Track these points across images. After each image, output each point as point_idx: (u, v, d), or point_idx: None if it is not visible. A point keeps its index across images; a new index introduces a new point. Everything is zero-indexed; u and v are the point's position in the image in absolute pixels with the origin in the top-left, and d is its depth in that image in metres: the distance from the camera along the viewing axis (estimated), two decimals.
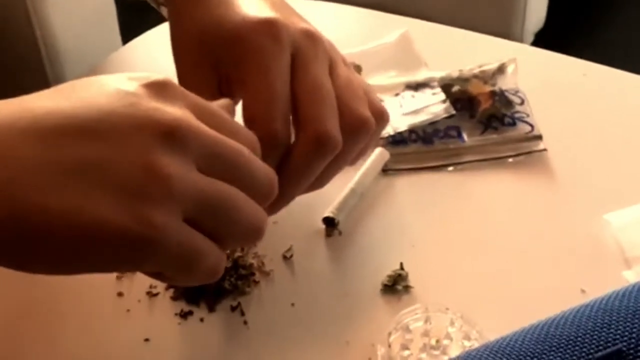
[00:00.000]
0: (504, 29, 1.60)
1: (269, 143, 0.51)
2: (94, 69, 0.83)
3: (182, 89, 0.44)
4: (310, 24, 0.56)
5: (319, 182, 0.55)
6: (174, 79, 0.53)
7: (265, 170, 0.45)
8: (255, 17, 0.53)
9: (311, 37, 0.54)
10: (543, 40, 1.72)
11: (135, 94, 0.41)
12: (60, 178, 0.38)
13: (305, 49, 0.53)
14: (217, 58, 0.54)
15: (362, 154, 0.58)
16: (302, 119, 0.52)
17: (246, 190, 0.44)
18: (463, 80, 0.73)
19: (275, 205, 0.52)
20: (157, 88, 0.42)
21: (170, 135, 0.40)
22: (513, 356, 0.40)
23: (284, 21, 0.53)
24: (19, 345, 0.56)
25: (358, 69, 0.75)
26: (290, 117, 0.53)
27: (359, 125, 0.54)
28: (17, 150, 0.38)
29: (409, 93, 0.74)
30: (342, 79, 0.55)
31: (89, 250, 0.39)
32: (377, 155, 0.68)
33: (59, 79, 0.93)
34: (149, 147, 0.40)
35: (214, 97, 0.53)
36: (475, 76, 0.74)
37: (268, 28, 0.53)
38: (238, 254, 0.60)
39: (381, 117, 0.56)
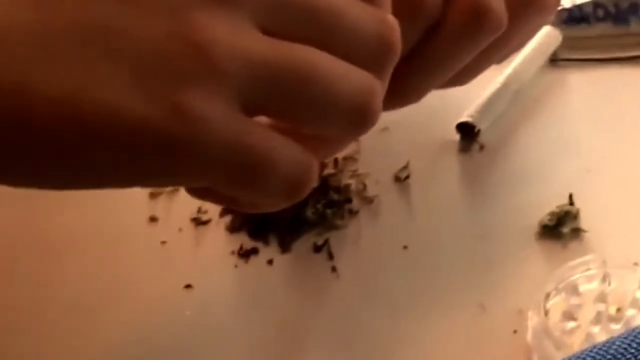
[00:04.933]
0: None
1: (407, 11, 0.48)
2: None
3: None
4: None
5: (465, 75, 0.53)
6: None
7: (372, 15, 0.40)
8: None
9: None
10: None
11: None
12: (57, 49, 0.35)
13: None
14: None
15: (526, 40, 0.57)
16: None
17: (343, 51, 0.39)
18: None
19: (401, 98, 0.51)
20: None
21: None
22: None
23: None
24: (17, 286, 0.54)
25: None
26: None
27: None
28: (1, 12, 0.36)
29: None
30: None
31: (94, 152, 0.36)
32: (544, 37, 0.63)
33: None
34: (182, 5, 0.36)
35: None
36: None
37: None
38: (330, 171, 0.57)
39: None
